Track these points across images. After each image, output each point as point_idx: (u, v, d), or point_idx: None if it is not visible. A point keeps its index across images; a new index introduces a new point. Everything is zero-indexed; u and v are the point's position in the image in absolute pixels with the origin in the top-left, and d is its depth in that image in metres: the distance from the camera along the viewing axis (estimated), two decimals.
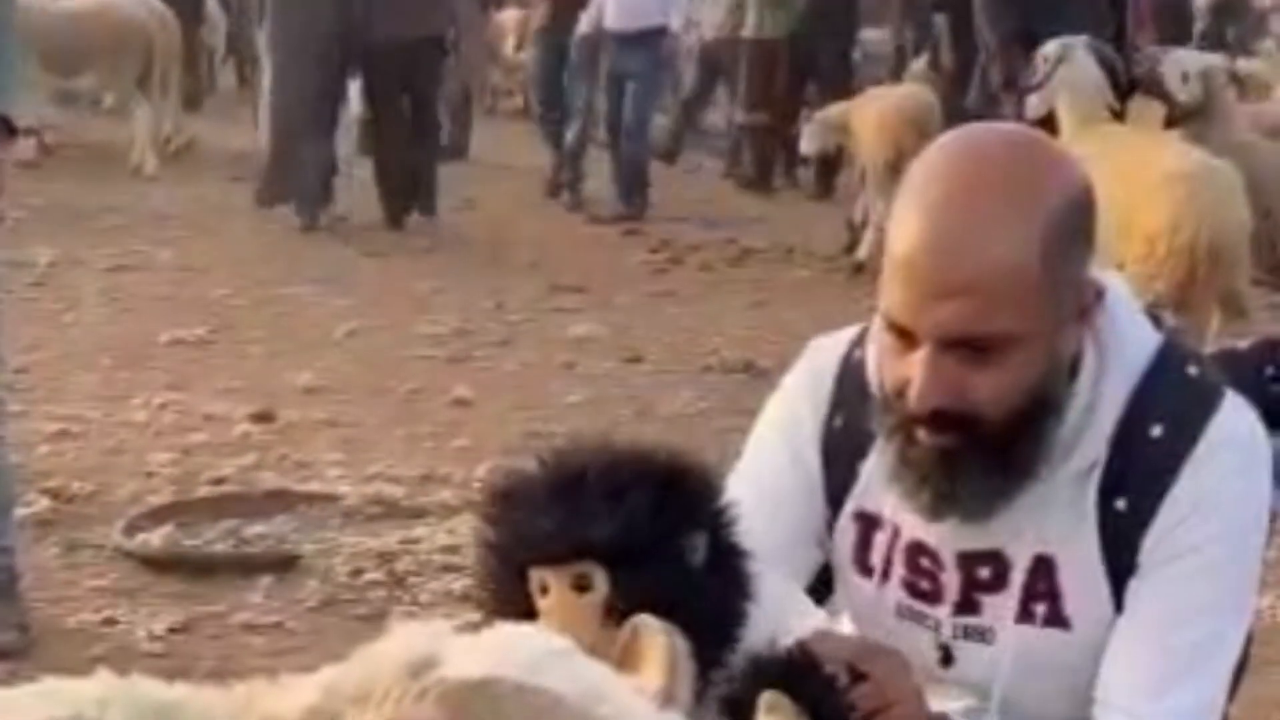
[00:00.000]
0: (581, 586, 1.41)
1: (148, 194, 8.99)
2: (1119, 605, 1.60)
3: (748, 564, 1.49)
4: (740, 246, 8.49)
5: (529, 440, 4.63)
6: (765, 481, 1.72)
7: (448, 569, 3.86)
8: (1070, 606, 1.62)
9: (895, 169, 7.67)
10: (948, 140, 1.60)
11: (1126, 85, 5.74)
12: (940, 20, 9.45)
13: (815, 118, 8.87)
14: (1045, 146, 1.60)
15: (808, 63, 10.54)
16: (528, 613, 1.44)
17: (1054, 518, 1.61)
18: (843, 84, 10.52)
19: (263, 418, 5.02)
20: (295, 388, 5.41)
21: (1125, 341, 1.62)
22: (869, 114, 8.12)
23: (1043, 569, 1.62)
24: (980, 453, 1.55)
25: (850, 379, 1.71)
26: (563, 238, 8.56)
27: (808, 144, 8.94)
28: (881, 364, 1.61)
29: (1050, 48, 5.42)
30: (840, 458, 1.71)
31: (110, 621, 3.55)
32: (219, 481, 4.49)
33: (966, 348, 1.52)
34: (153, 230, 8.05)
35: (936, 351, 1.52)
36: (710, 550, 1.48)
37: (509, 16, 13.80)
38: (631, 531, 1.41)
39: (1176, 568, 1.58)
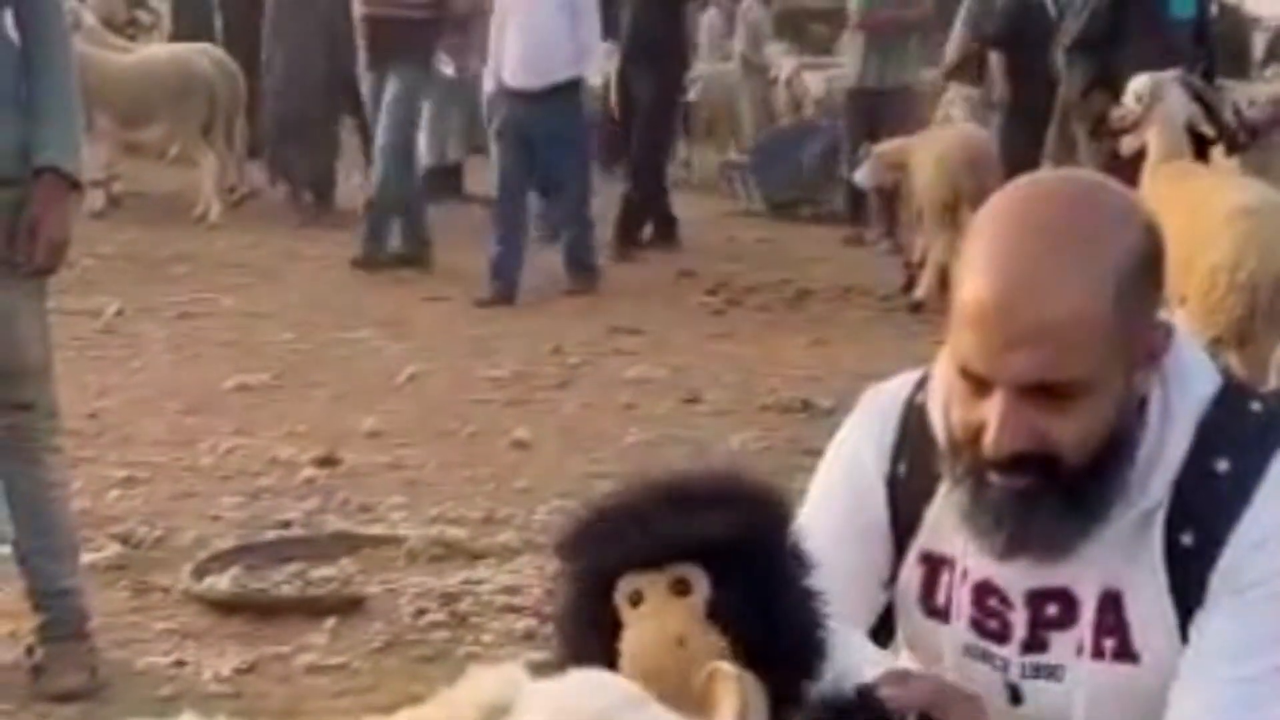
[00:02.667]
0: (681, 590, 1.40)
1: (212, 241, 9.11)
2: (1186, 637, 1.61)
3: (822, 601, 1.51)
4: (797, 287, 8.50)
5: (588, 482, 4.66)
6: (830, 527, 1.72)
7: (509, 609, 3.89)
8: (1138, 640, 1.63)
9: (952, 208, 7.67)
10: (1015, 188, 1.62)
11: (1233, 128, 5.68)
12: (994, 58, 9.45)
13: (873, 152, 8.87)
14: (1112, 192, 1.62)
15: (632, 104, 9.68)
16: (613, 630, 1.42)
17: (1120, 554, 1.62)
18: (668, 127, 9.95)
19: (327, 461, 5.08)
20: (359, 432, 5.47)
21: (1189, 381, 1.63)
22: (927, 153, 8.13)
23: (1110, 604, 1.63)
24: (1057, 494, 1.57)
25: (913, 424, 1.73)
26: (620, 280, 8.61)
27: (864, 178, 8.92)
28: (950, 408, 1.62)
29: (1143, 85, 5.39)
30: (906, 502, 1.73)
31: (179, 663, 3.60)
32: (285, 525, 4.55)
33: (1042, 394, 1.54)
34: (218, 277, 8.16)
35: (1012, 398, 1.54)
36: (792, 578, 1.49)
37: None
38: (737, 533, 1.41)
39: (1246, 599, 1.58)
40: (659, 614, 1.39)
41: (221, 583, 4.03)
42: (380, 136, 8.52)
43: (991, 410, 1.55)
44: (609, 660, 1.40)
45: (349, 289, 8.08)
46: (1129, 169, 5.38)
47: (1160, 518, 1.61)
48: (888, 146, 8.68)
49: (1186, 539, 1.60)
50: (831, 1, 13.57)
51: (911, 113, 10.00)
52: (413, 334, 7.08)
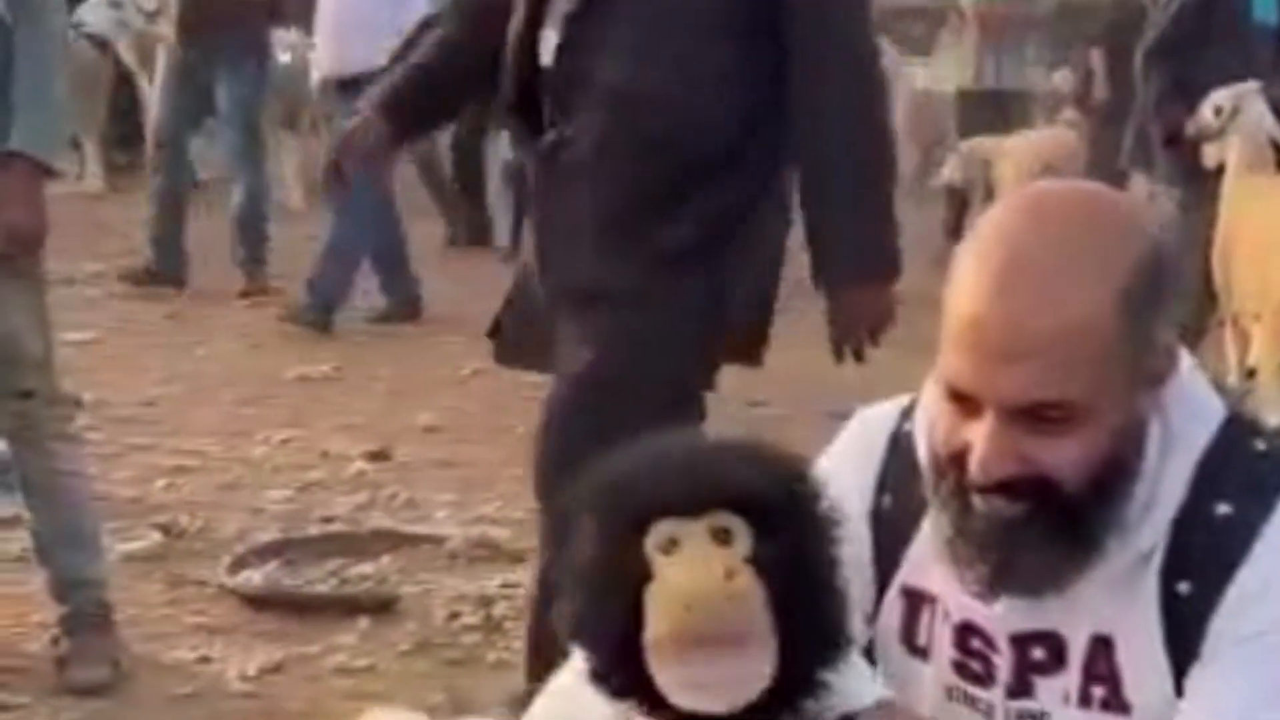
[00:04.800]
0: (722, 540, 1.32)
1: (291, 228, 9.11)
2: (1180, 691, 1.50)
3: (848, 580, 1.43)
4: None
5: None
6: None
7: None
8: (1130, 690, 1.52)
9: None
10: (1018, 197, 1.53)
11: None
12: (1096, 55, 9.24)
13: (961, 148, 8.70)
14: (1120, 205, 1.52)
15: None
16: (637, 583, 1.33)
17: (1112, 599, 1.51)
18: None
19: (378, 456, 5.04)
20: (414, 426, 5.43)
21: (1191, 414, 1.52)
22: (1011, 155, 8.00)
23: (1101, 650, 1.53)
24: (1046, 524, 1.46)
25: (899, 455, 1.63)
26: None
27: (950, 172, 8.77)
28: (935, 426, 1.52)
29: (1223, 98, 5.23)
30: (889, 536, 1.63)
31: (204, 659, 3.56)
32: (329, 520, 4.51)
33: (1034, 417, 1.43)
34: (291, 264, 8.14)
35: (1002, 419, 1.43)
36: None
37: None
38: (781, 490, 1.34)
39: (1248, 651, 1.47)
40: (695, 562, 1.31)
41: (255, 578, 3.99)
42: (235, 142, 7.38)
43: (978, 432, 1.45)
44: (629, 617, 1.32)
45: (421, 278, 8.04)
46: (1211, 180, 5.22)
47: (1156, 562, 1.50)
48: (980, 143, 8.55)
49: (1183, 587, 1.49)
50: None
51: (1027, 119, 9.77)
52: (480, 327, 7.01)
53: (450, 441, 5.31)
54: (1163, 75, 5.44)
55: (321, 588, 4.02)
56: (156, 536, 4.24)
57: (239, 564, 4.06)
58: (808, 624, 1.34)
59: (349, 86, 6.75)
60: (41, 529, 3.31)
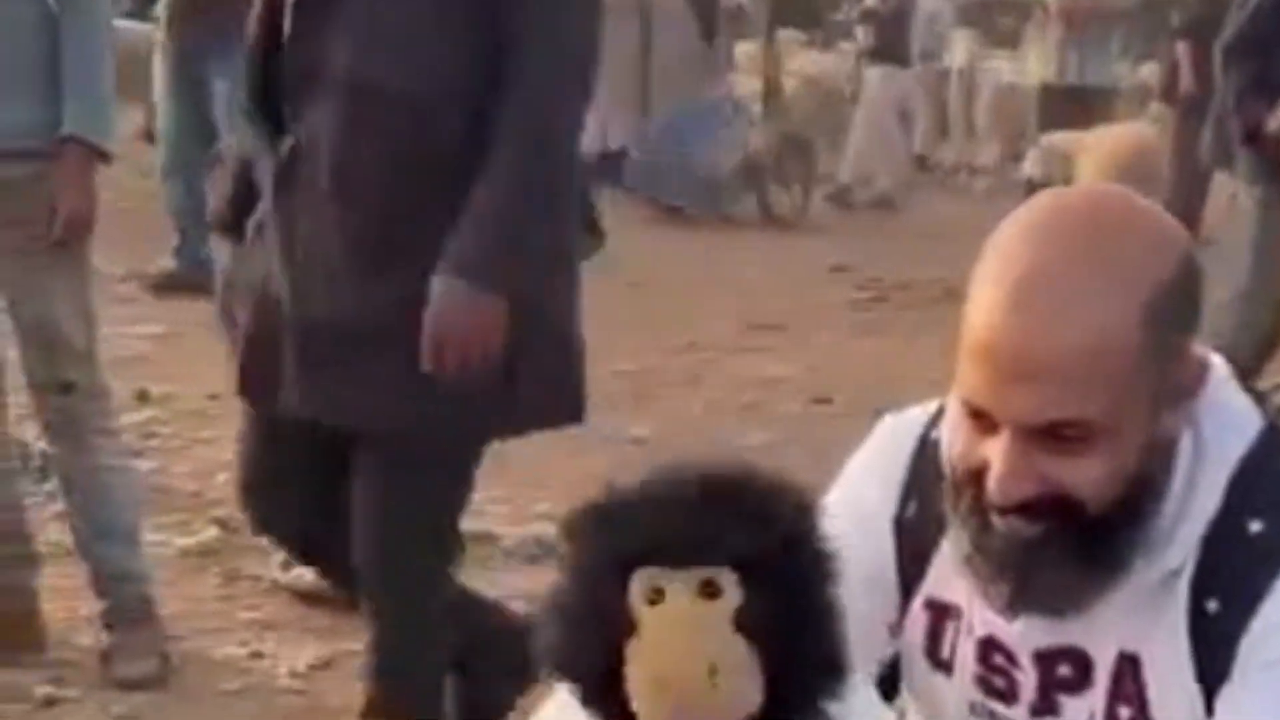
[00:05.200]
0: (710, 594, 1.28)
1: None
2: (1210, 711, 1.45)
3: (845, 620, 1.37)
4: (946, 286, 8.26)
5: None
6: None
7: None
8: (1157, 711, 1.47)
9: None
10: (1038, 204, 1.46)
11: None
12: (1182, 48, 9.06)
13: (1043, 142, 8.59)
14: (1145, 214, 1.45)
15: None
16: (619, 628, 1.29)
17: (1139, 616, 1.46)
18: None
19: None
20: None
21: (1224, 426, 1.46)
22: (1090, 150, 7.89)
23: (1128, 668, 1.48)
24: (1068, 542, 1.41)
25: (925, 463, 1.58)
26: (766, 273, 8.45)
27: (1031, 167, 8.67)
28: (954, 441, 1.47)
29: None
30: (914, 545, 1.59)
31: (255, 655, 3.57)
32: None
33: (1053, 436, 1.38)
34: None
35: (1020, 438, 1.38)
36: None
37: None
38: (774, 542, 1.29)
39: (1273, 675, 1.41)
40: (679, 616, 1.27)
41: (308, 574, 3.98)
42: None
43: (996, 451, 1.40)
44: (612, 658, 1.29)
45: None
46: None
47: (1185, 580, 1.44)
48: (1060, 138, 8.45)
49: (1212, 606, 1.43)
50: None
51: (1110, 114, 9.59)
52: None
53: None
54: (1242, 72, 5.31)
55: None
56: (213, 531, 4.26)
57: (292, 559, 4.05)
58: (799, 665, 1.30)
59: None
60: (82, 524, 3.31)
